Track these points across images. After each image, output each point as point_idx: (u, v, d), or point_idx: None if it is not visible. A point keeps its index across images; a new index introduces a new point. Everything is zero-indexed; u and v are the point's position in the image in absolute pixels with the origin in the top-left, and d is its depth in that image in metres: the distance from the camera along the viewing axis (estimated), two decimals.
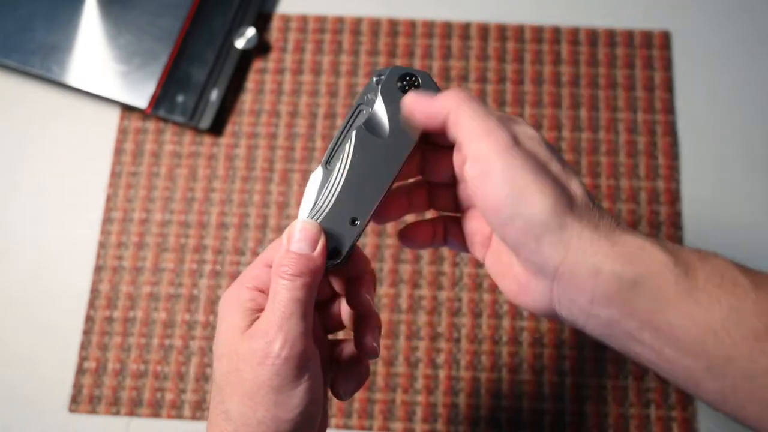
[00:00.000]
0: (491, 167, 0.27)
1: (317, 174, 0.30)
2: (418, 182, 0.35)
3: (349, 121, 0.31)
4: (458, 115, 0.28)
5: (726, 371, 0.24)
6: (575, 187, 0.28)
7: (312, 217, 0.30)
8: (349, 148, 0.30)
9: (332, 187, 0.30)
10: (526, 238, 0.27)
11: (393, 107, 0.31)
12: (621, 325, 0.26)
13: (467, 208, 0.34)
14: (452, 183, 0.33)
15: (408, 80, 0.31)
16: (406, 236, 0.36)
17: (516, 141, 0.28)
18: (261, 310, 0.29)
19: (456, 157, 0.31)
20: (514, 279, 0.29)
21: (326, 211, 0.30)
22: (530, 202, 0.26)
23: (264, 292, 0.30)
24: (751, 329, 0.24)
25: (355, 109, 0.32)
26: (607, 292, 0.26)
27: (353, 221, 0.30)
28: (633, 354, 0.27)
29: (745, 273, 0.25)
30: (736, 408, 0.25)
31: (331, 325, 0.35)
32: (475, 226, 0.33)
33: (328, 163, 0.30)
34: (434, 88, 0.31)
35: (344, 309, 0.34)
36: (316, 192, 0.30)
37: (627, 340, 0.26)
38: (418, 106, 0.29)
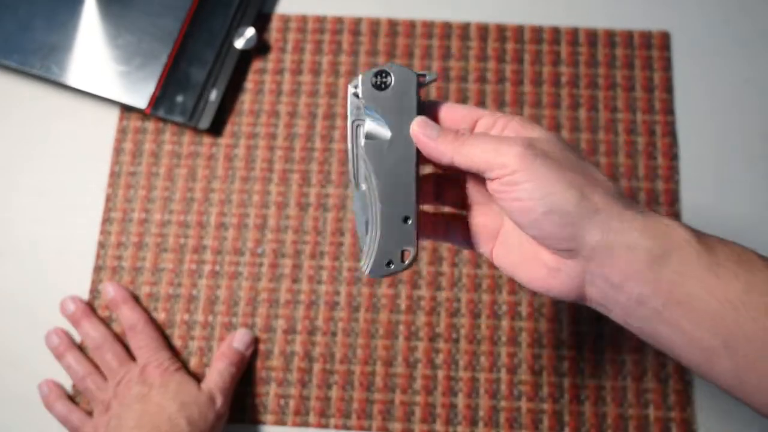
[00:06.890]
0: (514, 179, 0.29)
1: (356, 196, 0.33)
2: (426, 176, 0.37)
3: (353, 141, 0.33)
4: (462, 154, 0.31)
5: (742, 347, 0.26)
6: (597, 175, 0.30)
7: (369, 233, 0.32)
8: (366, 164, 0.32)
9: (372, 201, 0.32)
10: (562, 229, 0.28)
11: (381, 108, 0.32)
12: (649, 302, 0.27)
13: (474, 203, 0.35)
14: (461, 179, 0.35)
15: (381, 77, 0.33)
16: None
17: (529, 146, 0.29)
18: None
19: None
20: (542, 265, 0.30)
21: (378, 222, 0.32)
22: (561, 198, 0.28)
23: None
24: (766, 304, 0.25)
25: (352, 126, 0.33)
26: (640, 266, 0.27)
27: (405, 219, 0.32)
28: (653, 333, 0.28)
29: (759, 255, 0.27)
30: (749, 390, 0.26)
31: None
32: (482, 221, 0.34)
33: (358, 184, 0.33)
34: (411, 77, 0.33)
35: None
36: (362, 210, 0.33)
37: (652, 318, 0.28)
38: (424, 148, 0.32)
